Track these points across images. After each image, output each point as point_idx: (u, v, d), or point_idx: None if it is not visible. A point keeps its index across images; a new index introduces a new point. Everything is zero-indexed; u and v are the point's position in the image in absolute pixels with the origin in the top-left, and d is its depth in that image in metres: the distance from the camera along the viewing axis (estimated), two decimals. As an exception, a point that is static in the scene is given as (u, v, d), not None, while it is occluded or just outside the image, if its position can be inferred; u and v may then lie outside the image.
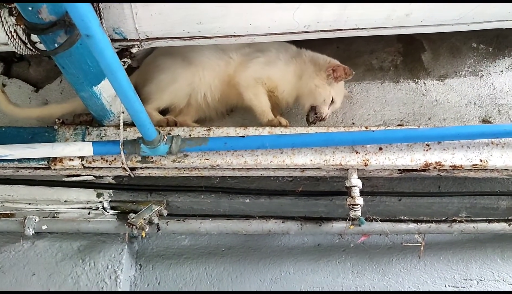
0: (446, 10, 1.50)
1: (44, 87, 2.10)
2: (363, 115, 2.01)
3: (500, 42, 2.15)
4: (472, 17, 1.52)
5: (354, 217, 1.62)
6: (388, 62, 2.14)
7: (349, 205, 1.63)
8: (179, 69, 1.84)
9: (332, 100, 1.83)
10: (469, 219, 1.74)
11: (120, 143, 1.62)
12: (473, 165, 1.63)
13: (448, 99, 2.03)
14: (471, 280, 1.80)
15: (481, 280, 1.79)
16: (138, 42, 1.53)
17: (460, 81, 2.07)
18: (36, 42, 1.39)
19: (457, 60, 2.13)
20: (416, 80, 2.08)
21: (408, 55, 2.16)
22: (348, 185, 1.65)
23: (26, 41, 1.34)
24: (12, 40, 1.32)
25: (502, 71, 2.09)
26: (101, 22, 1.41)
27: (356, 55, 2.17)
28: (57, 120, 1.77)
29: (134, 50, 1.58)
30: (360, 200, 1.62)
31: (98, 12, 1.39)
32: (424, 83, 2.07)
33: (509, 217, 1.76)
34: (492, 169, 1.66)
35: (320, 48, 2.10)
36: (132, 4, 1.42)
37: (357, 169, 1.68)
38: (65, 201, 1.85)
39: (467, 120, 1.97)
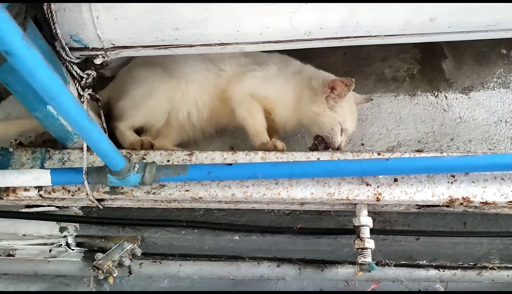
0: (480, 14, 1.22)
1: (7, 97, 1.83)
2: (374, 135, 1.72)
3: (534, 49, 1.86)
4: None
5: (363, 263, 1.34)
6: (403, 71, 1.85)
7: (357, 248, 1.35)
8: (157, 82, 1.57)
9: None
10: (502, 265, 1.45)
11: (84, 172, 1.35)
12: (509, 202, 1.34)
13: (474, 116, 1.74)
14: (503, 337, 1.52)
15: (515, 337, 1.51)
16: (103, 52, 1.29)
17: (488, 94, 1.78)
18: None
19: (484, 69, 1.84)
20: (436, 93, 1.79)
21: (427, 63, 1.87)
22: (356, 224, 1.38)
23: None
24: None
25: (537, 82, 1.80)
26: (55, 27, 1.17)
27: (365, 62, 1.88)
28: (13, 140, 1.51)
29: (98, 61, 1.33)
30: (370, 243, 1.34)
31: (49, 14, 1.15)
32: (446, 97, 1.78)
33: (551, 264, 1.47)
34: (531, 206, 1.38)
35: (324, 55, 1.84)
36: (92, 5, 1.16)
37: (367, 204, 1.40)
38: (23, 235, 1.58)
39: (497, 142, 1.68)
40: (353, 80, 1.48)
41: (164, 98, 1.58)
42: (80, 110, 1.03)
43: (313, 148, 1.57)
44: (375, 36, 1.27)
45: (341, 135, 1.54)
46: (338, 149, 1.54)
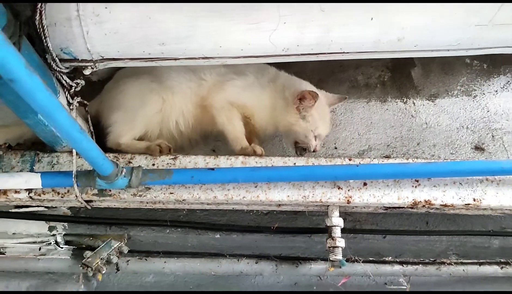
0: (442, 35, 1.33)
1: (-5, 100, 1.87)
2: (347, 139, 1.83)
3: (495, 59, 1.99)
4: (471, 43, 1.36)
5: (334, 260, 1.46)
6: (375, 78, 1.97)
7: (329, 247, 1.47)
8: (147, 92, 1.63)
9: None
10: (458, 261, 1.60)
11: (73, 176, 1.42)
12: (466, 204, 1.48)
13: (438, 122, 1.86)
14: (459, 325, 1.67)
15: (469, 325, 1.67)
16: (92, 63, 1.35)
17: (452, 101, 1.91)
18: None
19: (449, 77, 1.97)
20: (405, 99, 1.91)
21: (397, 70, 1.98)
22: (328, 224, 1.49)
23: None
24: None
25: (496, 91, 1.93)
26: (46, 41, 1.23)
27: (340, 69, 1.98)
28: (2, 144, 1.56)
29: (87, 72, 1.39)
30: (341, 242, 1.46)
31: (41, 30, 1.21)
32: (414, 103, 1.91)
33: (501, 260, 1.62)
34: (485, 208, 1.52)
35: (301, 62, 1.92)
36: (82, 21, 1.22)
37: (339, 205, 1.51)
38: (13, 233, 1.64)
39: (459, 146, 1.81)
40: (318, 93, 1.58)
41: (155, 107, 1.64)
42: (73, 124, 1.10)
43: (299, 153, 1.69)
44: (348, 52, 1.37)
45: (315, 140, 1.65)
46: (314, 151, 1.66)
